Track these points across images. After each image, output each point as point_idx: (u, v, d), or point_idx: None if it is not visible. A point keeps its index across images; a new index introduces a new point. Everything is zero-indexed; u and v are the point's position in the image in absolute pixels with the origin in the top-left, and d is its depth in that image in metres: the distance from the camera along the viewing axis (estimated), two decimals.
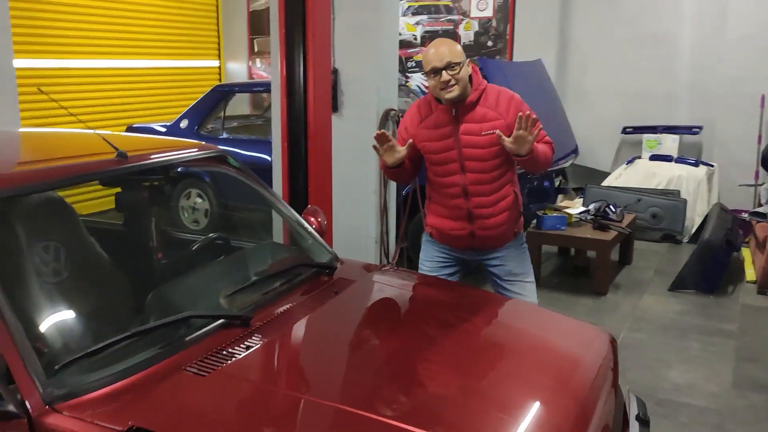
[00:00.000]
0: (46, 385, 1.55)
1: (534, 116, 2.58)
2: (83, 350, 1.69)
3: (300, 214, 2.85)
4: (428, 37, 7.67)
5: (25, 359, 1.56)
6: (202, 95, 6.50)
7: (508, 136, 2.62)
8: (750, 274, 5.24)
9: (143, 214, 2.66)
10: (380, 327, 2.24)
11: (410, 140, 2.74)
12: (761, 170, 6.27)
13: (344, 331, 2.17)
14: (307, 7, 3.31)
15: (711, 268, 4.92)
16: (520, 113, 2.53)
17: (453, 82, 2.63)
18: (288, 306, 2.13)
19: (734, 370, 3.66)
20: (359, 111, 4.08)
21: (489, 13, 7.41)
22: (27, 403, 1.51)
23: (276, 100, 3.87)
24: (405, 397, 1.76)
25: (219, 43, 9.06)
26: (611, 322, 4.30)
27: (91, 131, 2.43)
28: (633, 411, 2.21)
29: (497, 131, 2.62)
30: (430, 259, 3.02)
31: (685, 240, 6.20)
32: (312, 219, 2.89)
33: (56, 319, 1.94)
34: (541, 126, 2.61)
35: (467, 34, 7.55)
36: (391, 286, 2.60)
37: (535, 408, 1.76)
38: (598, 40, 7.08)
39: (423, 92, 7.68)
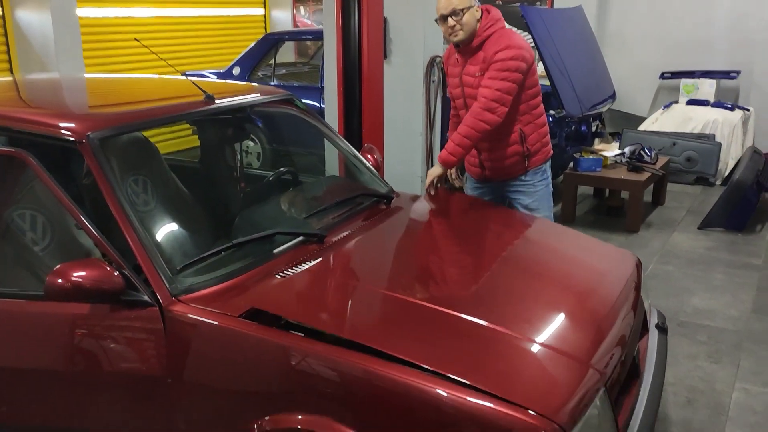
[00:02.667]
0: (172, 281, 1.94)
1: (492, 76, 2.88)
2: (195, 257, 2.08)
3: (359, 152, 3.19)
4: None
5: (153, 260, 1.95)
6: (252, 43, 6.81)
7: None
8: None
9: (225, 150, 3.04)
10: (431, 240, 2.65)
11: None
12: None
13: (402, 244, 2.56)
14: None
15: (740, 207, 5.13)
16: None
17: (458, 27, 2.92)
18: (355, 227, 2.50)
19: (755, 297, 3.94)
20: (407, 58, 4.37)
21: None
22: (158, 294, 1.91)
23: (331, 48, 4.17)
24: (449, 289, 2.18)
25: None
26: (641, 256, 4.51)
27: (181, 77, 2.79)
28: (653, 321, 2.54)
29: None
30: (470, 189, 3.37)
31: (718, 182, 6.37)
32: (369, 156, 3.23)
33: (166, 232, 2.33)
34: (487, 84, 2.88)
35: None
36: (439, 208, 3.01)
37: (561, 315, 2.10)
38: None
39: None
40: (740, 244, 4.88)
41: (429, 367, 1.64)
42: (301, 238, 2.30)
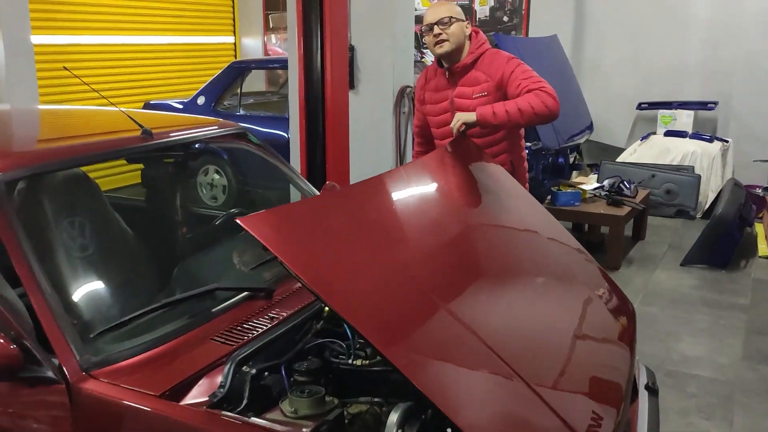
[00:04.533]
0: (83, 352, 1.63)
1: (524, 70, 2.65)
2: (115, 320, 1.78)
3: (318, 191, 2.92)
4: None
5: (63, 327, 1.65)
6: (218, 72, 6.56)
7: (500, 98, 2.67)
8: (763, 249, 5.26)
9: (166, 190, 2.75)
10: None
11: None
12: None
13: None
14: None
15: (723, 243, 4.95)
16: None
17: (444, 37, 2.70)
18: None
19: (744, 342, 3.71)
20: (376, 88, 4.13)
21: None
22: (65, 369, 1.60)
23: (294, 76, 3.92)
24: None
25: (234, 19, 9.08)
26: None
27: (116, 108, 2.50)
28: (642, 381, 2.28)
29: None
30: None
31: (699, 215, 6.21)
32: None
33: (88, 290, 2.03)
34: (526, 75, 2.63)
35: (483, 9, 7.51)
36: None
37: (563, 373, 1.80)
38: (614, 15, 7.02)
39: None
40: (724, 282, 4.67)
41: None
42: (246, 293, 2.02)
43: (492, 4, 7.47)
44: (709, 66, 6.66)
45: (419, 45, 7.68)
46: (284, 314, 1.94)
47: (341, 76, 3.52)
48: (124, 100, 7.21)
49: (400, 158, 4.28)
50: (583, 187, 5.25)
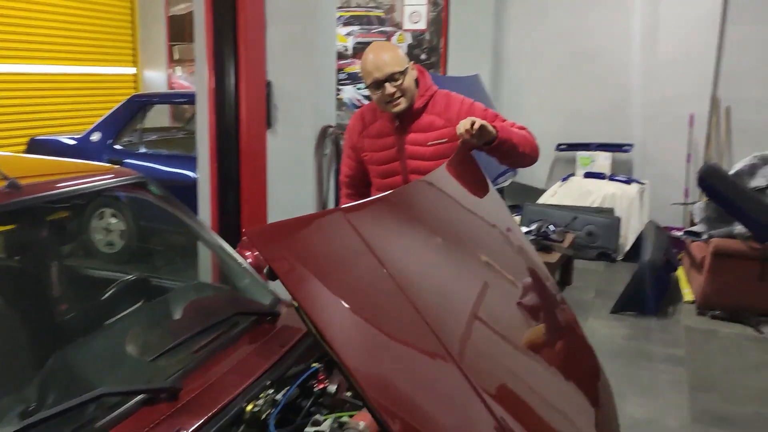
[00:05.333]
0: None
1: (489, 114, 2.39)
2: None
3: (234, 247, 2.50)
4: (360, 49, 7.40)
5: None
6: (116, 105, 5.97)
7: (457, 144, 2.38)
8: (687, 293, 5.21)
9: (43, 255, 2.23)
10: None
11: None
12: (693, 189, 6.32)
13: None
14: (238, 15, 2.96)
15: (652, 289, 4.84)
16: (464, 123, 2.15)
17: (398, 94, 2.35)
18: (225, 369, 1.77)
19: (690, 401, 3.53)
20: (295, 128, 3.74)
21: (422, 25, 7.22)
22: None
23: (203, 114, 3.48)
24: None
25: (135, 49, 8.48)
26: None
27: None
28: None
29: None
30: None
31: (620, 258, 6.17)
32: (248, 253, 2.55)
33: None
34: (497, 118, 2.40)
35: (401, 46, 7.32)
36: None
37: None
38: (532, 57, 7.00)
39: (356, 106, 7.40)
40: (657, 331, 4.54)
41: None
42: (142, 396, 1.56)
43: (410, 41, 7.30)
44: (625, 109, 6.72)
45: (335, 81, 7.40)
46: (194, 424, 1.50)
47: (258, 113, 3.13)
48: (3, 136, 6.47)
49: (323, 205, 3.89)
50: None
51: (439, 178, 2.07)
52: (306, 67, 3.70)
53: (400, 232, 1.78)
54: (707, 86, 6.32)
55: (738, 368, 3.98)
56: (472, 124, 2.13)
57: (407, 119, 2.44)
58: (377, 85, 2.33)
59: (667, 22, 6.39)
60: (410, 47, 7.29)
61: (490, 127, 2.18)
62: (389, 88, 2.32)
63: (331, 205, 3.95)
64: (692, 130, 6.37)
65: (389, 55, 2.33)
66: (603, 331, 4.51)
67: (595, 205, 6.24)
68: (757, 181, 5.30)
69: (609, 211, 6.17)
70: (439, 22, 7.12)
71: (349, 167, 2.65)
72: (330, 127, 3.89)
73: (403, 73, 2.33)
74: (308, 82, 3.71)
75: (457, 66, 6.92)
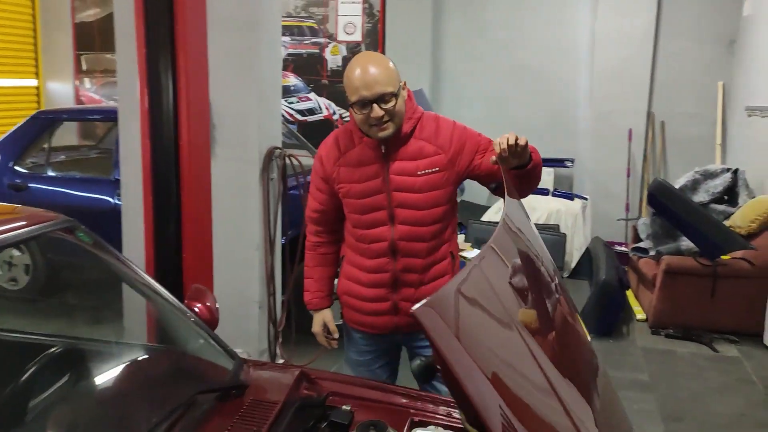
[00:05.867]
0: None
1: (483, 140, 2.15)
2: None
3: (180, 296, 2.10)
4: (291, 61, 7.01)
5: None
6: (18, 123, 5.31)
7: (453, 175, 2.11)
8: (638, 311, 5.13)
9: None
10: None
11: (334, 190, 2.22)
12: (633, 204, 6.31)
13: None
14: (176, 21, 2.55)
15: (609, 309, 4.72)
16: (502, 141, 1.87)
17: (387, 118, 2.02)
18: None
19: None
20: (238, 150, 3.32)
21: (357, 37, 6.90)
22: None
23: (130, 134, 3.01)
24: None
25: (37, 59, 7.73)
26: None
27: None
28: None
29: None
30: (355, 351, 2.38)
31: (566, 275, 6.05)
32: (199, 305, 2.15)
33: None
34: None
35: (335, 58, 6.98)
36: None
37: None
38: (471, 71, 6.84)
39: (288, 120, 6.99)
40: (617, 354, 4.40)
41: None
42: None
43: (345, 53, 6.97)
44: (566, 124, 6.65)
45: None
46: None
47: (201, 136, 2.72)
48: None
49: (271, 237, 3.49)
50: (465, 254, 4.78)
51: (515, 211, 1.75)
52: (248, 81, 3.30)
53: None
54: (644, 101, 6.34)
55: (703, 393, 3.87)
56: (516, 139, 1.84)
57: (393, 145, 2.11)
58: (363, 104, 1.99)
59: (603, 37, 6.36)
60: (345, 60, 6.96)
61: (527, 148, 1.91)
62: (377, 110, 1.98)
63: (278, 234, 3.56)
64: (631, 144, 6.36)
65: (382, 72, 1.98)
66: None
67: (540, 222, 6.09)
68: (700, 197, 5.31)
69: (555, 228, 6.04)
70: (376, 34, 6.83)
71: (319, 201, 2.28)
72: (277, 148, 3.50)
73: (396, 94, 2.00)
74: (252, 99, 3.31)
75: None
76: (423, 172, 2.09)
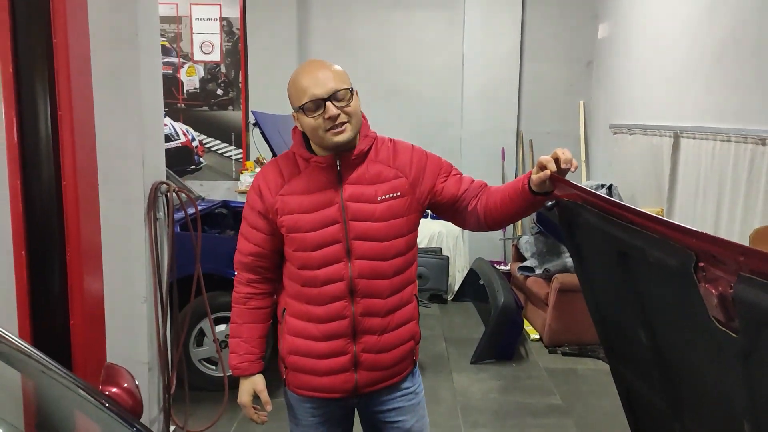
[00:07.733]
0: None
1: (445, 165, 1.99)
2: None
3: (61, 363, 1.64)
4: None
5: None
6: None
7: (414, 202, 1.86)
8: (531, 330, 5.14)
9: None
10: None
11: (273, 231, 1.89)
12: (522, 224, 6.39)
13: None
14: (54, 34, 2.03)
15: (508, 333, 4.66)
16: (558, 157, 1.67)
17: (344, 118, 1.73)
18: None
19: None
20: (119, 185, 2.79)
21: (216, 57, 6.40)
22: None
23: None
24: None
25: None
26: (440, 415, 3.68)
27: None
28: None
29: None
30: (302, 425, 2.00)
31: (450, 298, 5.98)
32: (116, 390, 1.69)
33: None
34: (455, 170, 2.02)
35: (192, 80, 6.41)
36: None
37: None
38: None
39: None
40: (523, 378, 4.33)
41: None
42: None
43: (202, 74, 6.43)
44: (440, 145, 6.58)
45: None
46: None
47: (89, 173, 2.20)
48: None
49: (159, 282, 2.97)
50: None
51: None
52: (129, 105, 2.79)
53: None
54: (512, 121, 6.47)
55: (616, 410, 3.85)
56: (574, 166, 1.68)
57: (349, 167, 1.80)
58: (316, 105, 1.70)
59: (472, 59, 6.42)
60: (203, 81, 6.43)
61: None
62: (332, 108, 1.70)
63: (164, 280, 3.06)
64: (504, 163, 6.46)
65: (333, 69, 1.75)
66: (473, 387, 4.16)
67: (423, 245, 5.97)
68: None
69: (437, 251, 5.95)
70: (237, 54, 6.38)
71: (255, 243, 1.89)
72: (162, 183, 3.01)
73: (351, 91, 1.74)
74: (131, 128, 2.80)
75: (260, 103, 6.21)
76: (383, 197, 1.80)
